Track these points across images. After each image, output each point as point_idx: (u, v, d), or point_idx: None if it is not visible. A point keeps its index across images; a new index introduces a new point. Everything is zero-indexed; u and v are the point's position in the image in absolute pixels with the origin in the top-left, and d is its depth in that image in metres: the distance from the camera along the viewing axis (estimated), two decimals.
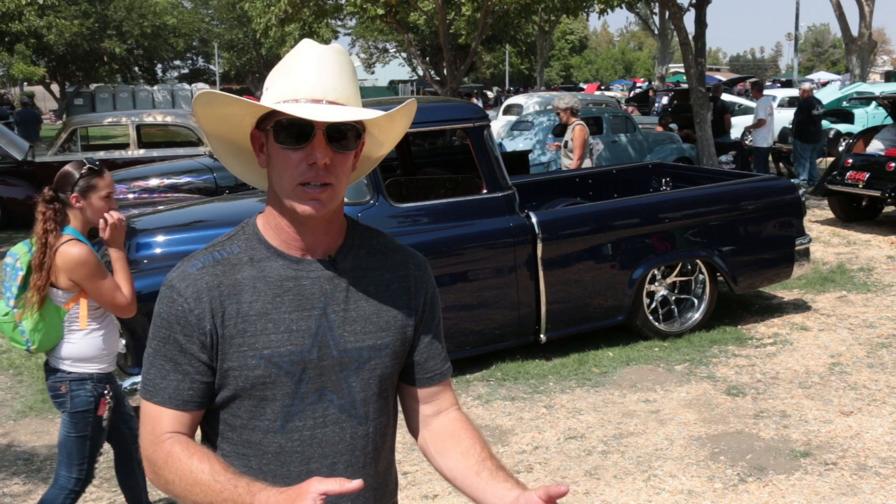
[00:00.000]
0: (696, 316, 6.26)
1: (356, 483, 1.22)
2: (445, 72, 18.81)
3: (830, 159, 12.98)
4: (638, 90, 32.01)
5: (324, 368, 1.46)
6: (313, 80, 1.40)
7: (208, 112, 1.45)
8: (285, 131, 1.39)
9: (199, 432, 1.54)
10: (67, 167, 3.19)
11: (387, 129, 1.55)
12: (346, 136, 1.42)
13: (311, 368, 1.45)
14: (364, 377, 1.49)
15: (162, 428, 1.44)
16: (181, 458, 1.39)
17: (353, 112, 1.39)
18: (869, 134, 11.00)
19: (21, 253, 3.17)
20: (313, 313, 1.45)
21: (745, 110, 17.54)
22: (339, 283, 1.48)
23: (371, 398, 1.50)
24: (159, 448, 1.42)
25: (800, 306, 7.02)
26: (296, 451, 1.46)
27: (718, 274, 6.27)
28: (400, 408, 1.66)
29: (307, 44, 1.45)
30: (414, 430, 1.64)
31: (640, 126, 13.88)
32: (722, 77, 31.22)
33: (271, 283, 1.45)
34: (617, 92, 32.24)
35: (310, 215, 1.42)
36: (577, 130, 8.59)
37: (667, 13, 16.63)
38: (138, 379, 4.64)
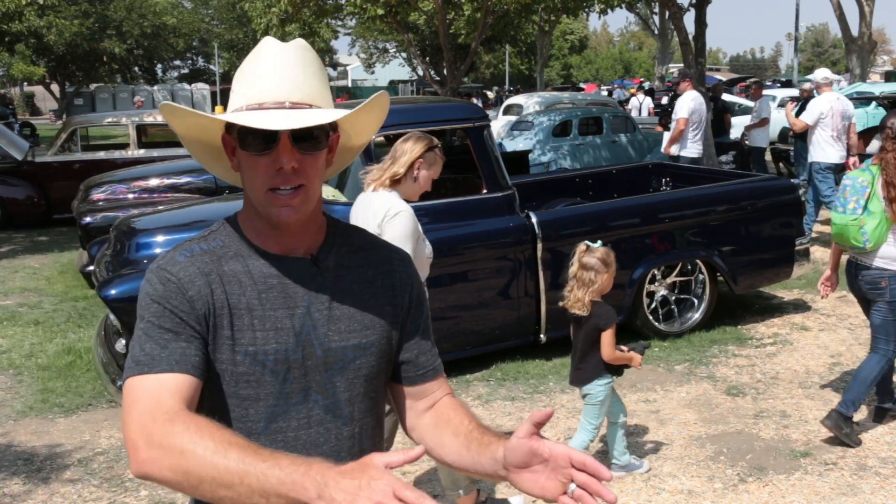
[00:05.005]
0: (696, 316, 6.26)
1: (418, 450, 1.17)
2: (445, 72, 18.82)
3: None
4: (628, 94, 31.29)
5: (308, 368, 1.42)
6: (275, 81, 1.37)
7: (176, 120, 1.44)
8: (250, 137, 1.36)
9: None
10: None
11: (359, 125, 1.52)
12: (313, 136, 1.38)
13: (296, 368, 1.42)
14: (349, 377, 1.46)
15: (169, 396, 1.29)
16: (210, 424, 1.24)
17: (313, 116, 1.35)
18: (869, 134, 10.99)
19: (860, 176, 4.32)
20: (297, 312, 1.42)
21: (745, 110, 17.53)
22: (322, 282, 1.45)
23: (356, 398, 1.47)
24: (176, 417, 1.25)
25: (800, 306, 7.02)
26: None
27: (718, 274, 6.27)
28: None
29: (268, 43, 1.42)
30: (411, 429, 1.57)
31: (640, 126, 13.88)
32: (722, 77, 31.25)
33: (256, 280, 1.42)
34: (618, 94, 31.72)
35: (285, 222, 1.40)
36: None
37: (667, 13, 16.65)
38: None
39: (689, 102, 9.75)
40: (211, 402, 1.41)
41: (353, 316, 1.47)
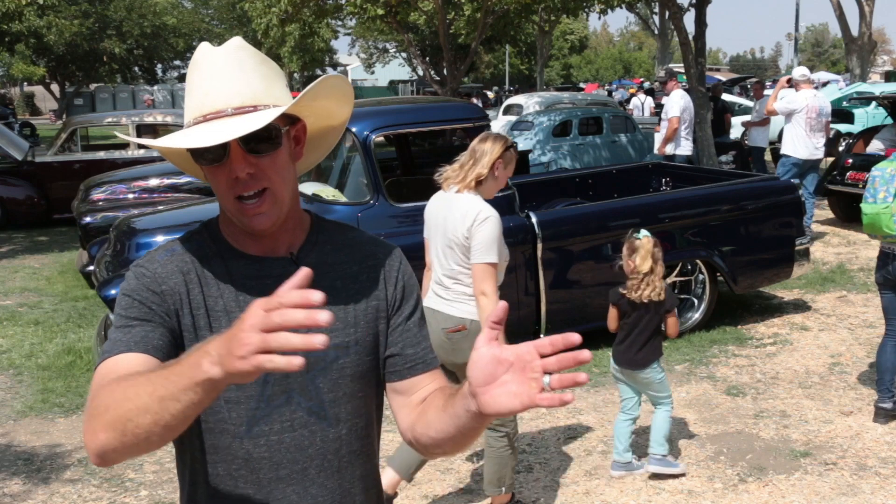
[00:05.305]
0: (696, 316, 6.26)
1: (304, 272, 1.05)
2: (445, 72, 18.82)
3: (830, 159, 12.98)
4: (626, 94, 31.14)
5: None
6: (214, 89, 1.33)
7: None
8: (201, 152, 1.33)
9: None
10: None
11: (321, 112, 1.46)
12: (264, 138, 1.33)
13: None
14: (332, 377, 1.41)
15: (117, 372, 1.25)
16: (119, 377, 1.21)
17: (250, 122, 1.29)
18: (869, 134, 11.00)
19: (889, 166, 4.38)
20: None
21: (745, 110, 17.54)
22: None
23: (341, 399, 1.42)
24: (106, 384, 1.21)
25: (800, 306, 7.02)
26: (264, 456, 1.38)
27: (718, 274, 6.27)
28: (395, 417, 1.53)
29: (201, 51, 1.38)
30: (406, 430, 1.46)
31: (640, 126, 13.89)
32: (722, 77, 31.18)
33: (235, 281, 1.39)
34: (622, 94, 31.43)
35: (259, 229, 1.37)
36: None
37: (667, 13, 16.65)
38: None
39: (679, 101, 9.95)
40: None
41: (335, 314, 1.40)
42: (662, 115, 10.25)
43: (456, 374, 3.58)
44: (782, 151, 9.16)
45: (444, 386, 1.48)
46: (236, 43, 1.38)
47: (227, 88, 1.33)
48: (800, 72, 9.44)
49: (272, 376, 1.38)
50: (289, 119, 1.39)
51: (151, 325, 1.33)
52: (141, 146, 11.63)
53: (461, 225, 3.43)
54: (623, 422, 4.16)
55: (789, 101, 9.07)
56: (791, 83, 9.38)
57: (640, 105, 20.55)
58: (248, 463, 1.39)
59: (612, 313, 4.17)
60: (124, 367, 1.26)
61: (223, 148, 1.31)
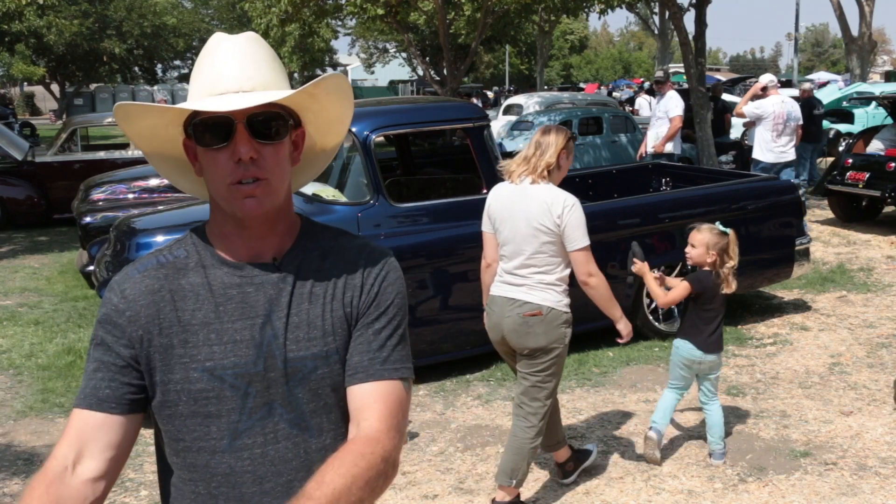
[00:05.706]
0: None
1: None
2: (445, 72, 18.81)
3: (830, 159, 12.99)
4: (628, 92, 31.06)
5: (271, 381, 1.36)
6: (228, 72, 1.34)
7: (133, 129, 1.40)
8: (206, 131, 1.33)
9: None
10: None
11: (323, 116, 1.45)
12: (270, 125, 1.34)
13: (258, 381, 1.35)
14: (312, 388, 1.37)
15: (64, 437, 1.34)
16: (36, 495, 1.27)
17: (262, 96, 1.31)
18: (869, 134, 11.01)
19: None
20: (257, 322, 1.36)
21: None
22: (284, 288, 1.38)
23: (321, 409, 1.38)
24: (37, 479, 1.30)
25: (800, 306, 7.02)
26: (247, 470, 1.35)
27: None
28: None
29: (217, 38, 1.39)
30: None
31: (641, 126, 13.90)
32: (722, 77, 31.14)
33: (215, 292, 1.37)
34: (626, 93, 31.25)
35: (250, 215, 1.34)
36: None
37: (667, 13, 16.65)
38: None
39: (680, 101, 10.04)
40: (171, 425, 1.38)
41: (314, 322, 1.39)
42: (658, 115, 10.30)
43: (524, 356, 3.71)
44: (753, 156, 9.39)
45: (363, 441, 1.33)
46: (251, 35, 1.41)
47: (240, 73, 1.35)
48: (768, 78, 9.79)
49: (253, 388, 1.36)
50: (291, 118, 1.40)
51: (104, 368, 1.37)
52: None
53: (547, 213, 3.52)
54: (672, 399, 4.28)
55: (757, 107, 9.32)
56: (764, 90, 9.57)
57: (648, 104, 20.56)
58: (230, 478, 1.36)
59: (680, 296, 4.22)
60: (71, 434, 1.34)
61: (229, 129, 1.32)
